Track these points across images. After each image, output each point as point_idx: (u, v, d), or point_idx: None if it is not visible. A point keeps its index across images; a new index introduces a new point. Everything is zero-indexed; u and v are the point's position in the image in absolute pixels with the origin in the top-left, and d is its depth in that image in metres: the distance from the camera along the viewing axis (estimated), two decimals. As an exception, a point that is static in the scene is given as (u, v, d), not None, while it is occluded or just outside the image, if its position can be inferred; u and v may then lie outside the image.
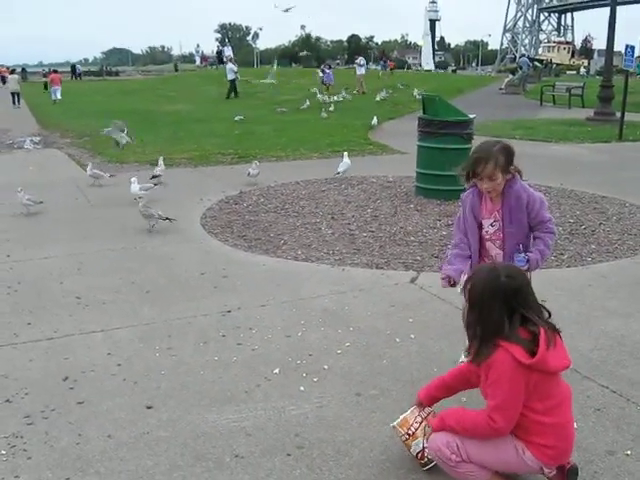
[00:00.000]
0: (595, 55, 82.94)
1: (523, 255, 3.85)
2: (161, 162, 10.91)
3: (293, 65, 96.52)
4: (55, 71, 37.28)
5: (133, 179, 9.21)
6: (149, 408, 4.00)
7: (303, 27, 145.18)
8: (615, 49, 21.28)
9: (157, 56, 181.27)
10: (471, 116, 9.44)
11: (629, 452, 3.52)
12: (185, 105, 27.23)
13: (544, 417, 2.88)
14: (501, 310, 2.88)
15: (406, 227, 8.05)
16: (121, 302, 5.74)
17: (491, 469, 2.98)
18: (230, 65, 31.57)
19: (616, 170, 12.65)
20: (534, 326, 2.87)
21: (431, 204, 9.16)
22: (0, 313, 5.49)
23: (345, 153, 11.74)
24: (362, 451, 3.55)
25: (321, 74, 33.26)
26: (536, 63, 44.87)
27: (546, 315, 3.00)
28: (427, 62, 63.08)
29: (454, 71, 69.20)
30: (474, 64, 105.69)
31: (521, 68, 35.39)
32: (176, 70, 69.87)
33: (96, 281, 6.27)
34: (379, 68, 51.04)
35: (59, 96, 31.17)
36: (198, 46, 76.21)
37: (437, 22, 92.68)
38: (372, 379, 4.33)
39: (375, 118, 20.06)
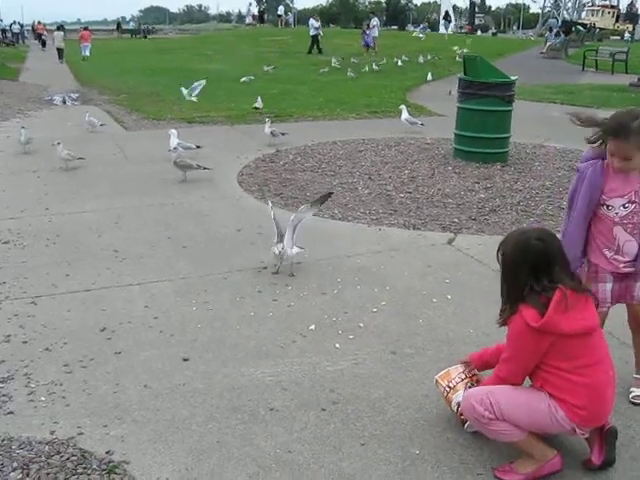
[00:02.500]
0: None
1: None
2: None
3: (330, 26, 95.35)
4: (85, 28, 37.39)
5: (172, 131, 9.16)
6: (185, 360, 4.03)
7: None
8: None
9: (194, 15, 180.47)
10: (513, 78, 9.22)
11: (668, 418, 3.47)
12: (222, 64, 27.07)
13: (573, 376, 2.85)
14: (527, 273, 2.89)
15: (444, 189, 7.96)
16: (158, 256, 5.77)
17: (525, 429, 2.95)
18: (312, 20, 32.54)
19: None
20: (552, 290, 2.83)
21: (469, 166, 9.02)
22: (39, 265, 5.55)
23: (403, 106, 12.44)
24: (397, 408, 3.54)
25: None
26: (579, 27, 43.82)
27: (575, 279, 2.96)
28: (445, 25, 57.33)
29: (494, 34, 67.91)
30: (515, 27, 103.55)
31: (550, 30, 34.49)
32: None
33: (133, 235, 6.31)
34: (444, 30, 49.43)
35: (88, 53, 31.38)
36: (250, 4, 75.98)
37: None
38: (408, 338, 4.31)
39: (430, 74, 21.62)
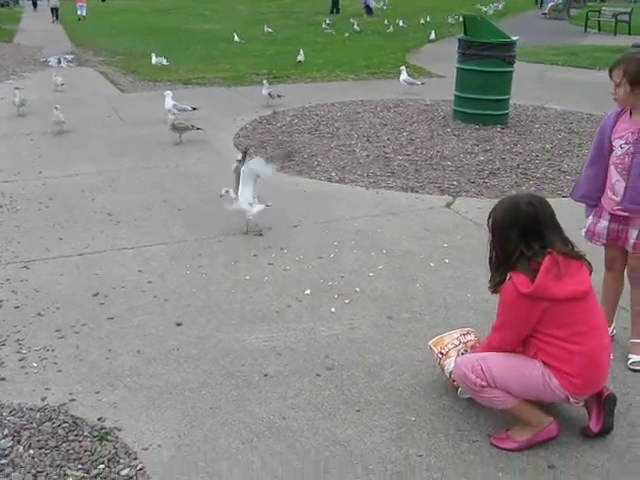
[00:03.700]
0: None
1: None
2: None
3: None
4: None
5: (167, 92, 9.02)
6: (179, 325, 3.98)
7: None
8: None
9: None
10: (514, 38, 9.04)
11: (667, 384, 3.43)
12: (219, 24, 26.65)
13: (567, 344, 2.80)
14: (518, 238, 2.83)
15: (443, 151, 7.85)
16: (153, 219, 5.70)
17: (517, 395, 2.90)
18: None
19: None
20: (543, 256, 2.77)
21: (469, 129, 8.90)
22: (32, 228, 5.48)
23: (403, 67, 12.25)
24: (392, 374, 3.50)
25: None
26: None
27: (569, 245, 2.89)
28: None
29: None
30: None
31: None
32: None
33: (128, 198, 6.23)
34: None
35: (84, 12, 30.89)
36: None
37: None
38: (404, 303, 4.26)
39: (433, 32, 21.74)
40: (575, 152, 7.94)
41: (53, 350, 3.71)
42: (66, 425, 3.07)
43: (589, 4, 36.80)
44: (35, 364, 3.58)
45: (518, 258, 2.81)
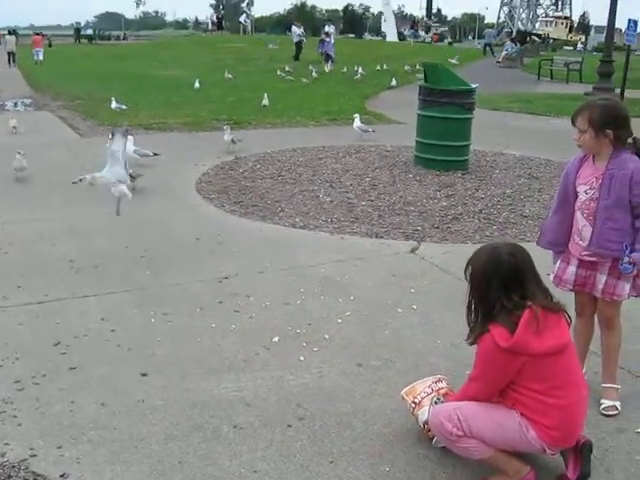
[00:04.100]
0: (592, 31, 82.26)
1: (628, 261, 3.36)
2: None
3: (288, 33, 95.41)
4: (37, 33, 36.90)
5: (128, 137, 8.92)
6: (144, 375, 3.86)
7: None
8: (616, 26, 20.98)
9: (150, 21, 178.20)
10: (473, 86, 9.23)
11: (639, 430, 3.43)
12: (178, 71, 26.76)
13: (546, 397, 2.79)
14: (499, 289, 2.82)
15: (405, 197, 7.90)
16: (115, 266, 5.58)
17: (493, 445, 2.86)
18: (294, 28, 32.66)
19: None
20: (523, 308, 2.77)
21: (430, 174, 8.98)
22: (-11, 275, 5.33)
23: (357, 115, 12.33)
24: (365, 423, 3.44)
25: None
26: (534, 37, 44.52)
27: (548, 296, 2.90)
28: (390, 33, 58.48)
29: (450, 44, 68.54)
30: (470, 37, 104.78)
31: (487, 44, 35.94)
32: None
33: (89, 244, 6.11)
34: (410, 39, 50.60)
35: (41, 57, 30.93)
36: (212, 15, 75.68)
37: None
38: (374, 350, 4.21)
39: (394, 79, 22.16)
40: (536, 197, 8.07)
41: (12, 403, 3.56)
42: (27, 483, 2.94)
43: (541, 53, 37.99)
44: (-7, 418, 3.43)
45: (499, 310, 2.79)
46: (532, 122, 14.84)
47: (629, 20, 16.10)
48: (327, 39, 31.19)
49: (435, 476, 3.04)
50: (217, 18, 53.57)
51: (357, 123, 11.94)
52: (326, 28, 32.83)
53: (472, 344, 2.96)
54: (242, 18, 56.38)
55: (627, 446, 3.29)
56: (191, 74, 24.44)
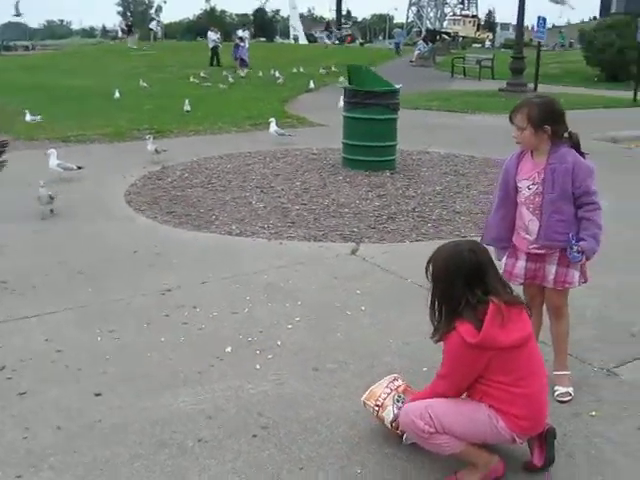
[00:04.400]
0: (498, 29, 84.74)
1: (576, 249, 3.48)
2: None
3: (199, 39, 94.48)
4: None
5: (51, 150, 8.70)
6: (97, 395, 3.77)
7: (208, 0, 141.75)
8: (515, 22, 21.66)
9: (56, 30, 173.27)
10: (397, 86, 9.38)
11: (593, 413, 3.57)
12: (91, 80, 26.14)
13: (513, 388, 2.88)
14: (462, 286, 2.88)
15: (338, 199, 7.96)
16: (52, 285, 5.42)
17: (464, 439, 2.93)
18: (210, 33, 32.68)
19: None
20: (486, 303, 2.84)
21: (359, 175, 9.08)
22: None
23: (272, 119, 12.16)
24: (329, 428, 3.45)
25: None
26: (445, 36, 45.60)
27: (509, 290, 2.99)
28: (296, 35, 59.82)
29: (362, 44, 69.26)
30: (380, 37, 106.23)
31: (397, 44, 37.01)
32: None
33: (21, 264, 5.90)
34: (325, 41, 51.56)
35: None
36: (121, 22, 74.05)
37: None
38: (328, 353, 4.23)
39: (312, 82, 22.18)
40: (464, 193, 8.26)
41: (-38, 434, 3.43)
42: (-11, 517, 2.83)
43: (452, 51, 38.91)
44: (-57, 451, 3.29)
45: (464, 307, 2.85)
46: (451, 119, 15.20)
47: (539, 17, 16.68)
48: (241, 44, 31.10)
49: (406, 474, 3.08)
50: (127, 25, 52.47)
51: (273, 127, 11.88)
52: (239, 33, 32.79)
53: (438, 342, 3.01)
54: (152, 25, 55.70)
55: (584, 430, 3.42)
56: (105, 83, 23.96)
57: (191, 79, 24.80)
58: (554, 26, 53.86)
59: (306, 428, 3.44)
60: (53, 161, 8.50)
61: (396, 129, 9.41)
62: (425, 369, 3.96)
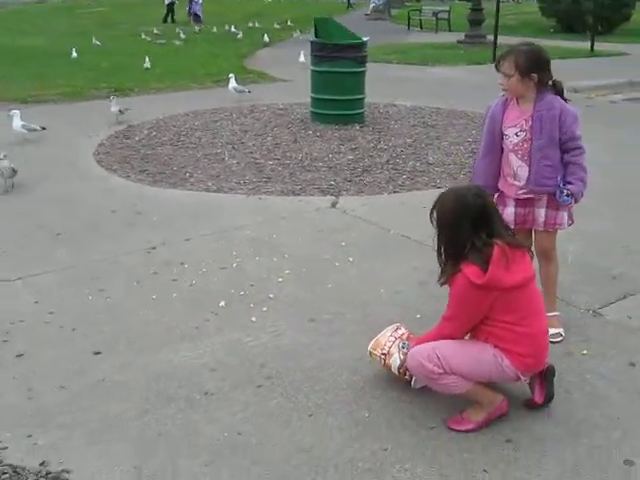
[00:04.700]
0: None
1: (566, 193, 3.58)
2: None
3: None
4: None
5: (14, 111, 8.46)
6: (97, 354, 3.77)
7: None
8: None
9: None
10: (364, 39, 9.32)
11: (585, 352, 3.70)
12: (40, 39, 25.37)
13: (516, 327, 2.97)
14: (468, 229, 2.94)
15: (311, 153, 7.95)
16: (32, 247, 5.34)
17: (471, 379, 3.02)
18: None
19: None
20: (491, 246, 2.91)
21: (330, 129, 9.06)
22: None
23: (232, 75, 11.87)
24: (332, 375, 3.51)
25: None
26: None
27: (511, 233, 3.06)
28: None
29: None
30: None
31: None
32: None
33: (-5, 228, 5.80)
34: None
35: None
36: None
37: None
38: (321, 304, 4.28)
39: (266, 35, 22.19)
40: (435, 145, 8.33)
41: (-38, 398, 3.41)
42: (6, 476, 2.82)
43: (406, 4, 38.66)
44: (-52, 417, 3.26)
45: (469, 250, 2.91)
46: (412, 72, 15.20)
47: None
48: (195, -1, 30.45)
49: (413, 415, 3.17)
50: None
51: (232, 84, 11.63)
52: None
53: (443, 284, 3.08)
54: None
55: (577, 368, 3.55)
56: (55, 42, 23.32)
57: (143, 36, 24.26)
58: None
59: (309, 377, 3.50)
60: (17, 122, 8.28)
61: (364, 82, 9.38)
62: (418, 316, 4.06)
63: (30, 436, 3.08)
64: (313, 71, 9.39)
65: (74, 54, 18.54)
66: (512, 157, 3.75)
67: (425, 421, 3.12)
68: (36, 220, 5.94)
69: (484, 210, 2.96)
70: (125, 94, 12.84)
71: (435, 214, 3.04)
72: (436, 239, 3.06)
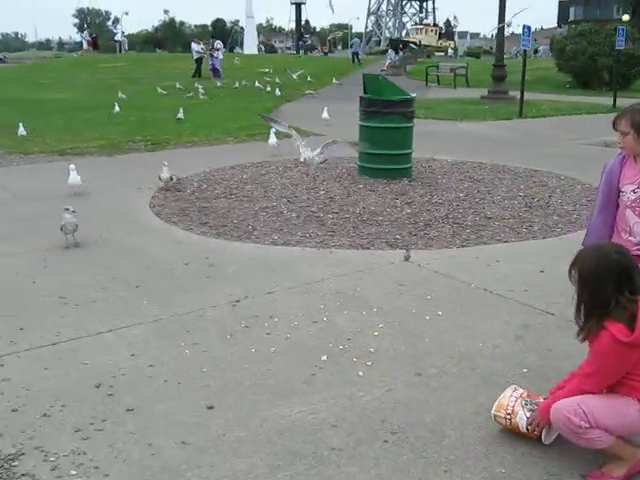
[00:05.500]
0: (456, 37, 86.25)
1: None
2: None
3: (157, 51, 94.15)
4: None
5: (72, 166, 8.56)
6: (210, 408, 3.73)
7: (167, 12, 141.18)
8: (474, 31, 22.17)
9: (11, 43, 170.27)
10: (412, 95, 9.47)
11: None
12: (65, 93, 25.83)
13: None
14: (612, 287, 2.96)
15: (368, 207, 7.99)
16: (113, 299, 5.34)
17: (615, 433, 3.00)
18: (193, 45, 32.71)
19: (529, 146, 13.15)
20: (635, 302, 2.94)
21: (379, 183, 9.13)
22: (-18, 320, 4.97)
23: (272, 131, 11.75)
24: (457, 430, 3.47)
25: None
26: (412, 45, 46.17)
27: None
28: (250, 46, 62.20)
29: (325, 54, 69.56)
30: (339, 47, 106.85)
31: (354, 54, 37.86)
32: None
33: (71, 279, 5.80)
34: (301, 51, 52.30)
35: None
36: (84, 32, 73.20)
37: (302, 5, 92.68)
38: (424, 358, 4.26)
39: (278, 89, 23.05)
40: (489, 199, 8.37)
41: (85, 453, 3.34)
42: (153, 533, 2.78)
43: (418, 60, 39.36)
44: (74, 472, 3.21)
45: (614, 307, 2.92)
46: (443, 127, 15.38)
47: (524, 26, 17.08)
48: (215, 54, 31.08)
49: (549, 470, 3.13)
50: (92, 38, 52.08)
51: (273, 139, 11.79)
52: (215, 44, 32.69)
53: (584, 341, 3.09)
54: (118, 36, 55.34)
55: None
56: (81, 96, 23.77)
57: (159, 90, 24.65)
58: (512, 34, 54.82)
59: (434, 432, 3.46)
60: (74, 176, 8.37)
61: (412, 137, 9.50)
62: (525, 370, 4.04)
63: (165, 493, 3.04)
64: (362, 126, 9.52)
65: (116, 108, 18.72)
66: (629, 213, 3.78)
67: (563, 476, 3.08)
68: (109, 273, 5.95)
69: (626, 267, 2.98)
70: (161, 147, 13.04)
71: (575, 272, 3.05)
72: (576, 296, 3.07)
